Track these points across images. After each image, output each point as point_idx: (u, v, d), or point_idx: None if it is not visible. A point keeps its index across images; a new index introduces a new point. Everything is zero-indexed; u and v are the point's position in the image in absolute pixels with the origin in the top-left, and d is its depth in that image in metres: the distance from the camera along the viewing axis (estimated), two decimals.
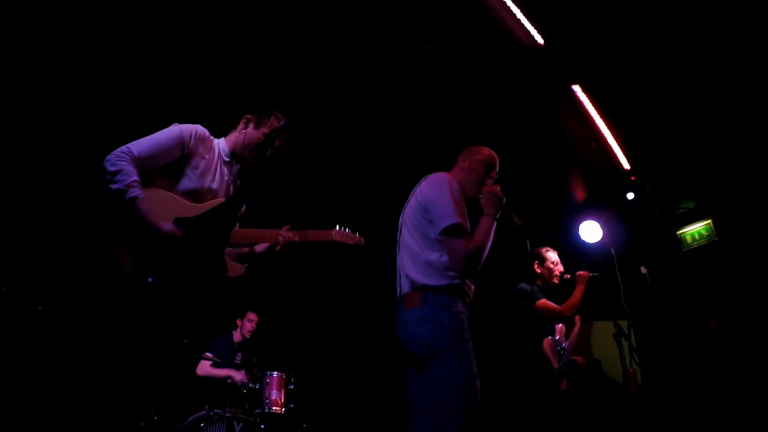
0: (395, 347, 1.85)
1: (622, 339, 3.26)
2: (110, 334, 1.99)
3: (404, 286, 1.85)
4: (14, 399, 2.60)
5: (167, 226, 1.63)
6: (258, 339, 4.10)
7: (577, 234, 3.80)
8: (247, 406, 3.19)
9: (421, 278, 1.79)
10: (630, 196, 3.75)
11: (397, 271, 1.93)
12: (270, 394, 3.28)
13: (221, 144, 1.92)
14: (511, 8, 3.03)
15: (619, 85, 3.55)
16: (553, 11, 3.10)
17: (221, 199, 1.82)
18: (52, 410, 2.70)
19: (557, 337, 3.21)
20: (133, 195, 1.60)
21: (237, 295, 3.89)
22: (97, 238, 1.76)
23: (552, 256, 3.25)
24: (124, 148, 1.67)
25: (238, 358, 3.93)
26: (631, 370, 3.37)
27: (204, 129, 1.85)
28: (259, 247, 1.94)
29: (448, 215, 1.76)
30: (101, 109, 3.07)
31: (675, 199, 4.46)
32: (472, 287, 1.89)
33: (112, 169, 1.62)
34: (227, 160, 1.90)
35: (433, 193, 1.85)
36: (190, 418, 3.06)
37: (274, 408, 3.26)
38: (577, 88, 3.56)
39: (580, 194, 4.08)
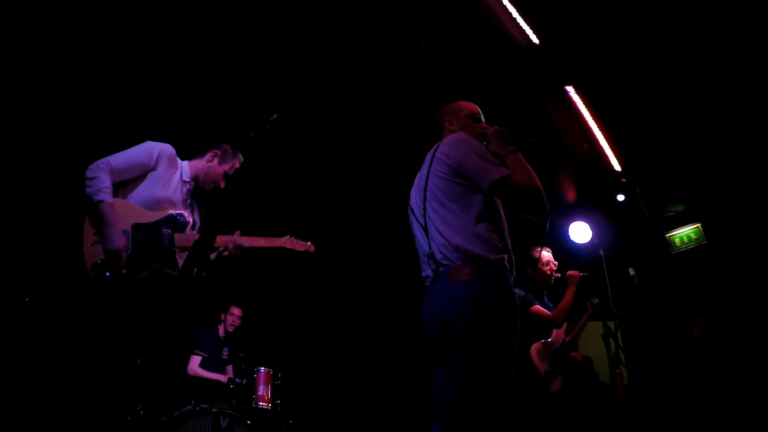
0: (426, 328, 1.71)
1: (610, 339, 3.29)
2: (88, 327, 2.13)
3: (448, 258, 1.67)
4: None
5: (117, 241, 1.92)
6: (245, 334, 4.09)
7: (566, 234, 3.83)
8: (234, 402, 3.17)
9: (475, 249, 1.63)
10: (620, 197, 3.77)
11: (422, 250, 1.80)
12: (257, 390, 3.27)
13: (184, 166, 2.23)
14: (507, 7, 3.02)
15: (613, 87, 3.56)
16: (549, 11, 3.10)
17: (172, 210, 2.11)
18: (37, 405, 2.67)
19: (551, 338, 3.22)
20: (99, 198, 1.93)
21: (220, 291, 3.88)
22: (74, 236, 2.01)
23: (544, 255, 3.23)
24: (104, 159, 1.99)
25: (225, 353, 3.91)
26: (618, 371, 3.40)
27: (172, 149, 2.16)
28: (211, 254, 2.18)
29: (490, 169, 1.66)
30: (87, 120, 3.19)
31: (665, 202, 4.50)
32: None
33: (90, 175, 1.96)
34: (187, 180, 2.22)
35: (462, 152, 1.74)
36: (176, 413, 3.04)
37: (261, 403, 3.24)
38: (570, 88, 3.57)
39: (570, 195, 4.10)
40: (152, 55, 3.21)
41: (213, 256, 2.20)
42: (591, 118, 3.71)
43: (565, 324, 3.22)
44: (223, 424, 2.94)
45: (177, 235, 2.05)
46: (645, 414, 3.77)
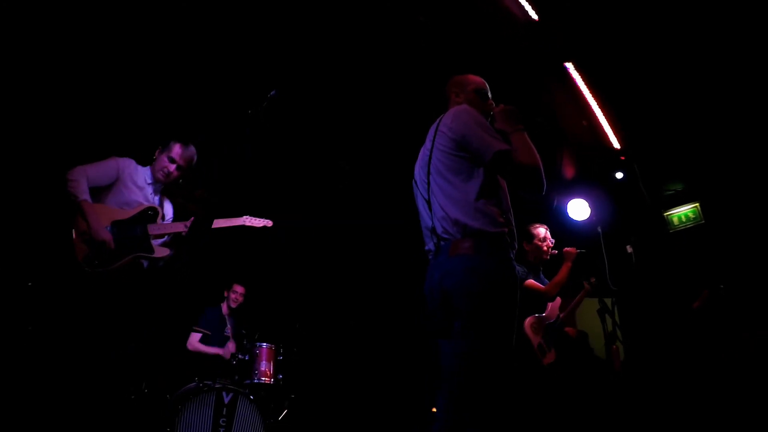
0: (425, 304, 1.72)
1: (606, 316, 3.33)
2: (88, 314, 2.41)
3: (448, 232, 1.68)
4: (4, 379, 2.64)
5: (103, 233, 2.36)
6: (247, 310, 4.14)
7: (564, 211, 3.84)
8: (236, 378, 3.22)
9: (474, 223, 1.63)
10: (619, 175, 3.77)
11: (425, 224, 1.81)
12: (259, 366, 3.31)
13: (146, 171, 2.63)
14: None
15: (612, 65, 3.53)
16: None
17: (145, 205, 2.54)
18: (42, 389, 2.71)
19: (545, 313, 3.26)
20: (83, 198, 2.36)
21: (223, 269, 3.94)
22: (59, 231, 2.41)
23: (540, 231, 3.23)
24: (81, 167, 2.42)
25: (228, 330, 3.97)
26: (615, 346, 3.45)
27: (132, 160, 2.58)
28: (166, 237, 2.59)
29: (493, 142, 1.66)
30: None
31: (663, 181, 4.50)
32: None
33: (71, 177, 2.39)
34: (150, 182, 2.62)
35: (465, 125, 1.73)
36: (179, 390, 3.09)
37: (263, 379, 3.29)
38: (570, 65, 3.54)
39: (569, 172, 4.10)
40: (143, 37, 3.18)
41: (162, 242, 2.59)
42: (590, 95, 3.69)
43: (560, 299, 3.27)
44: (226, 400, 2.98)
45: (150, 226, 2.50)
46: (641, 389, 3.83)
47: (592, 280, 3.31)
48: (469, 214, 1.66)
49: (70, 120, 3.50)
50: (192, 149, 2.65)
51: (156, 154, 2.64)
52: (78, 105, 3.49)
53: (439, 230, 1.72)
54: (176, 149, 2.59)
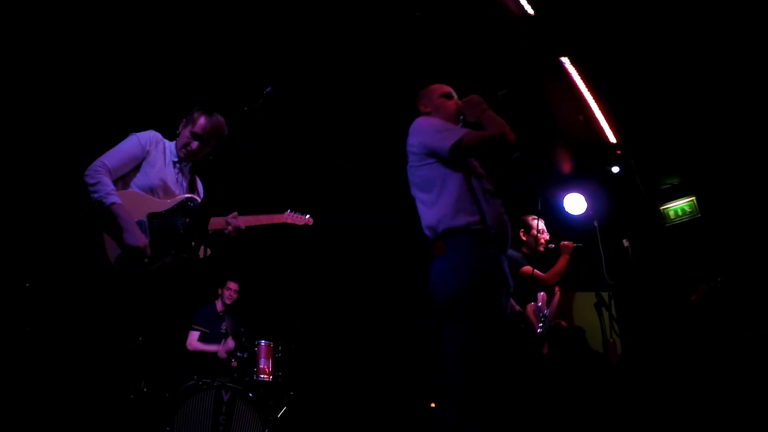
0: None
1: (603, 309, 3.34)
2: (99, 314, 2.19)
3: (429, 237, 1.82)
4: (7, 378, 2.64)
5: (139, 239, 2.00)
6: (244, 308, 4.15)
7: (561, 206, 3.85)
8: (235, 375, 3.23)
9: (440, 223, 1.74)
10: (615, 169, 3.78)
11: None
12: (258, 363, 3.32)
13: (170, 146, 2.24)
14: None
15: (608, 59, 3.53)
16: None
17: (186, 195, 2.19)
18: (42, 388, 2.72)
19: (539, 303, 3.28)
20: (111, 201, 1.99)
21: (216, 266, 3.93)
22: (85, 234, 2.09)
23: (537, 223, 3.26)
24: (98, 161, 2.05)
25: (224, 326, 3.98)
26: (611, 340, 3.47)
27: (157, 133, 2.21)
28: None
29: (447, 138, 1.78)
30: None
31: (660, 175, 4.51)
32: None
33: (92, 181, 2.00)
34: (175, 160, 2.24)
35: (422, 134, 1.88)
36: (179, 389, 3.10)
37: (262, 376, 3.30)
38: (565, 60, 3.54)
39: (565, 166, 4.11)
40: (137, 34, 3.16)
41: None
42: (586, 90, 3.69)
43: (545, 295, 3.31)
44: (226, 398, 2.99)
45: (188, 221, 2.14)
46: (638, 383, 3.86)
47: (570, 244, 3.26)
48: (437, 215, 1.77)
49: (62, 118, 3.50)
50: (218, 119, 2.23)
51: (180, 128, 2.25)
52: (71, 105, 3.48)
53: (427, 234, 1.85)
54: (201, 122, 2.18)
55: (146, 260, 2.02)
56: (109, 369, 2.91)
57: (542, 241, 3.22)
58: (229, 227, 2.19)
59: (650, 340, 4.11)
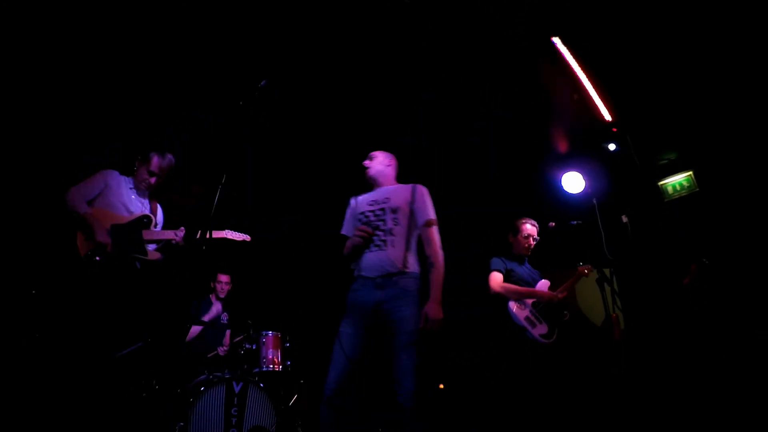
0: None
1: (605, 284, 3.38)
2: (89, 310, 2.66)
3: None
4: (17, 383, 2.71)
5: (104, 236, 2.71)
6: (248, 300, 4.20)
7: (559, 185, 3.88)
8: (245, 367, 3.27)
9: None
10: (612, 147, 3.79)
11: None
12: (267, 354, 3.37)
13: (126, 180, 2.95)
14: None
15: (600, 36, 3.53)
16: None
17: (143, 213, 2.89)
18: (52, 392, 2.75)
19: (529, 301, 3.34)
20: (83, 211, 2.71)
21: (207, 259, 4.01)
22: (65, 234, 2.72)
23: (527, 228, 3.44)
24: (74, 188, 2.75)
25: (225, 318, 4.03)
26: (614, 315, 3.51)
27: (116, 172, 2.91)
28: (158, 243, 2.94)
29: None
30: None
31: (657, 151, 4.52)
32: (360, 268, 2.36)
33: (69, 199, 2.72)
34: (131, 188, 2.95)
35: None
36: (189, 384, 3.14)
37: (271, 366, 3.35)
38: (557, 40, 3.54)
39: (562, 146, 4.13)
40: (134, 27, 3.17)
41: (155, 247, 2.92)
42: (579, 68, 3.69)
43: (548, 282, 3.42)
44: (237, 390, 3.04)
45: (144, 231, 2.84)
46: (641, 356, 3.90)
47: (588, 269, 3.42)
48: None
49: (60, 115, 3.52)
50: (169, 158, 2.96)
51: (136, 165, 2.95)
52: (68, 101, 3.51)
53: None
54: (154, 162, 2.91)
55: (107, 255, 2.68)
56: (114, 368, 3.02)
57: (525, 245, 3.43)
58: (177, 238, 2.87)
59: (653, 315, 4.14)
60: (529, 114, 3.91)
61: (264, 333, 3.41)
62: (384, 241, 2.28)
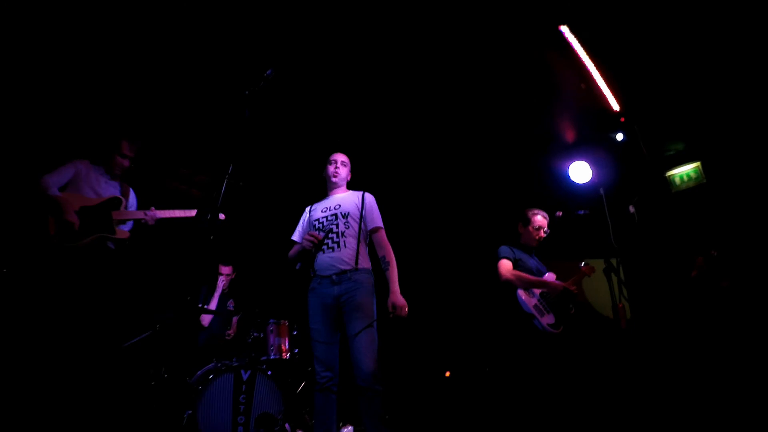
0: None
1: (612, 274, 3.37)
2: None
3: None
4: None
5: (72, 216, 2.87)
6: (254, 288, 4.22)
7: (566, 174, 3.86)
8: (253, 355, 3.29)
9: None
10: (619, 137, 3.77)
11: None
12: (274, 342, 3.39)
13: (99, 169, 3.09)
14: None
15: (608, 26, 3.49)
16: None
17: (112, 196, 3.03)
18: (59, 385, 2.77)
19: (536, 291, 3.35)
20: (53, 194, 2.87)
21: (214, 249, 4.09)
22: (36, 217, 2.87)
23: (537, 220, 3.42)
24: (47, 175, 2.91)
25: (230, 304, 4.06)
26: (621, 304, 3.50)
27: (86, 161, 3.06)
28: (130, 224, 3.11)
29: None
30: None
31: (664, 141, 4.49)
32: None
33: (41, 184, 2.87)
34: (101, 174, 3.08)
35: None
36: (198, 372, 3.17)
37: (279, 354, 3.37)
38: (565, 28, 3.50)
39: (569, 135, 4.10)
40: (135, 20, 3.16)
41: (130, 226, 3.10)
42: (587, 57, 3.66)
43: (553, 274, 3.41)
44: (245, 378, 3.06)
45: (114, 212, 2.99)
46: (647, 345, 3.90)
47: (590, 269, 3.42)
48: None
49: (62, 110, 3.54)
50: (138, 141, 3.13)
51: (108, 151, 3.08)
52: (68, 95, 3.52)
53: None
54: (125, 146, 3.08)
55: (76, 235, 2.84)
56: (123, 357, 3.07)
57: (535, 236, 3.42)
58: (146, 217, 3.02)
59: (659, 304, 4.14)
60: (537, 103, 3.88)
61: (271, 321, 3.43)
62: (337, 243, 2.56)
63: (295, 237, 2.80)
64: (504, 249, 3.35)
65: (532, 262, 3.38)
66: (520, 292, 3.21)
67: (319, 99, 3.91)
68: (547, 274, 3.39)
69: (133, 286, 3.42)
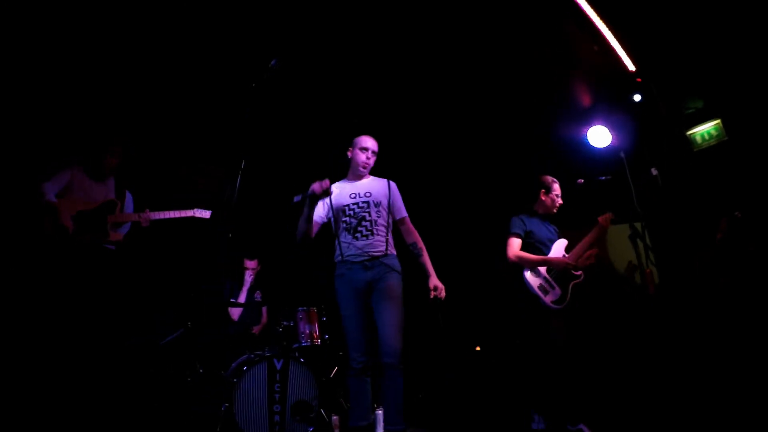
0: None
1: (638, 240, 3.32)
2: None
3: None
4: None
5: (66, 221, 2.97)
6: (280, 278, 4.27)
7: (585, 139, 3.78)
8: (285, 343, 3.34)
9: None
10: (637, 98, 3.66)
11: None
12: (305, 329, 3.43)
13: (91, 172, 3.15)
14: None
15: None
16: None
17: (108, 199, 3.13)
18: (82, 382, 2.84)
19: (550, 254, 3.28)
20: (49, 200, 2.97)
21: (237, 244, 4.19)
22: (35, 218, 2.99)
23: (557, 187, 3.36)
24: (46, 182, 3.00)
25: (258, 296, 4.12)
26: (648, 270, 3.45)
27: (81, 167, 3.13)
28: (126, 226, 3.22)
29: None
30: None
31: (683, 99, 4.34)
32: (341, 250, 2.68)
33: (39, 190, 2.96)
34: (93, 177, 3.15)
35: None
36: (233, 365, 3.23)
37: (309, 341, 3.41)
38: None
39: (586, 100, 4.00)
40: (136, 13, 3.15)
41: (127, 228, 3.20)
42: (598, 18, 3.54)
43: (566, 241, 3.32)
44: (278, 366, 3.10)
45: (109, 216, 3.07)
46: (677, 311, 3.84)
47: (607, 218, 3.30)
48: None
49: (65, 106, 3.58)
50: (123, 138, 3.20)
51: (98, 152, 3.14)
52: (70, 90, 3.55)
53: None
54: (112, 144, 3.13)
55: (70, 236, 2.95)
56: (159, 355, 3.15)
57: (557, 204, 3.36)
58: (140, 219, 3.10)
59: (686, 269, 4.06)
60: (551, 71, 3.78)
61: (300, 309, 3.47)
62: (370, 231, 2.68)
63: (318, 218, 2.80)
64: (515, 222, 3.29)
65: (544, 231, 3.30)
66: (526, 273, 3.16)
67: (331, 87, 3.87)
68: (558, 241, 3.31)
69: (133, 286, 3.55)
